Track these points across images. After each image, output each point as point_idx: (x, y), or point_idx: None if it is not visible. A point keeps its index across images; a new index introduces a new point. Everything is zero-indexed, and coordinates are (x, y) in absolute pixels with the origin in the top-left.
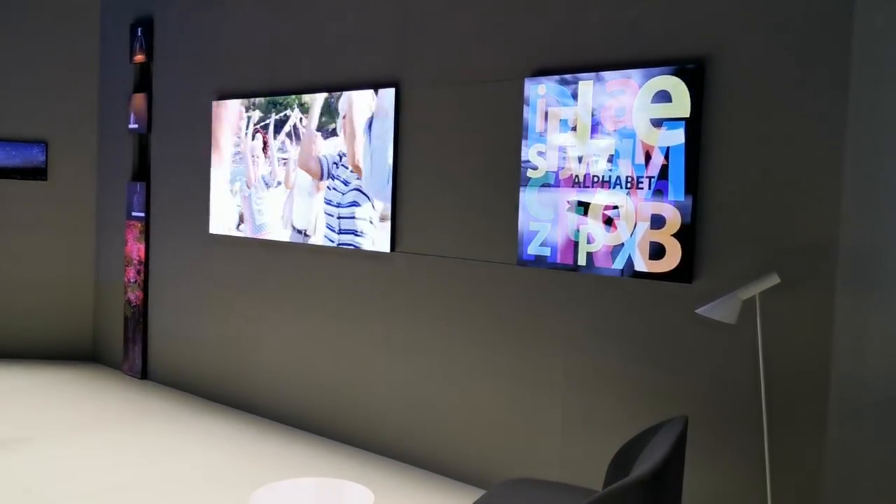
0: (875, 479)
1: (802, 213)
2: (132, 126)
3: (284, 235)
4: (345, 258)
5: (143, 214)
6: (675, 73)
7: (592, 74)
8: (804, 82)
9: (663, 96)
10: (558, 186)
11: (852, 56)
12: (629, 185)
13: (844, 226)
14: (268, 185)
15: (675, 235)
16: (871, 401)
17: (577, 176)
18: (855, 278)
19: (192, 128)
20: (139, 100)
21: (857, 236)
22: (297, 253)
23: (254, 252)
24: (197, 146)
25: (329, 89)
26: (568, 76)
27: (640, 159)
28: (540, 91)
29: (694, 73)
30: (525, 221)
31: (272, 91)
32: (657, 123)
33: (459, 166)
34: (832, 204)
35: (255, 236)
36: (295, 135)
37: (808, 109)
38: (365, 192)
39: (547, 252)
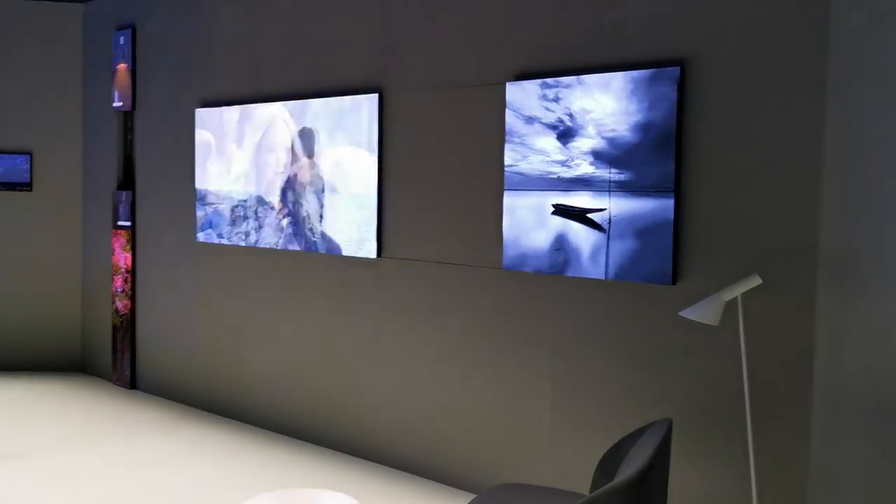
0: (858, 476)
1: (783, 214)
2: (116, 104)
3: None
4: (332, 265)
5: (129, 223)
6: (657, 76)
7: (574, 78)
8: (783, 83)
9: (645, 98)
10: (542, 190)
11: (830, 56)
12: (612, 187)
13: (824, 226)
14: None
15: (658, 237)
16: (852, 399)
17: (560, 179)
18: (835, 278)
19: (177, 135)
20: (122, 73)
21: (836, 236)
22: (284, 260)
23: (240, 259)
24: (181, 153)
25: (312, 95)
26: (550, 80)
27: (623, 162)
28: (521, 95)
29: (675, 76)
30: (510, 225)
31: (255, 98)
32: (639, 126)
33: (444, 171)
34: (812, 204)
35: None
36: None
37: (787, 110)
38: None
39: (532, 256)
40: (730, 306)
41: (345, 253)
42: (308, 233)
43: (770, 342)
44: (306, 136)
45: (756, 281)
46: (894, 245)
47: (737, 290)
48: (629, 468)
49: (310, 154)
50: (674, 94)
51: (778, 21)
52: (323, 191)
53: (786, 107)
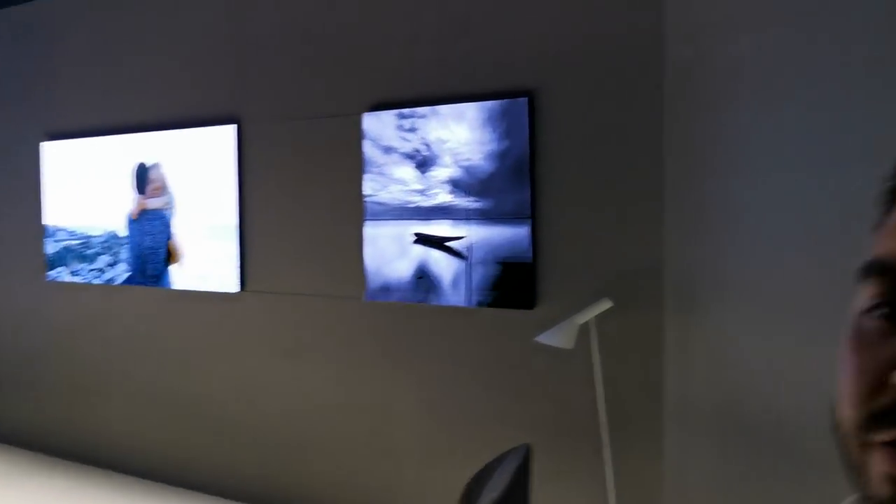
0: (708, 485)
1: (630, 239)
2: None
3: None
4: (192, 301)
5: None
6: (508, 106)
7: (429, 108)
8: (624, 113)
9: (498, 128)
10: (403, 219)
11: (665, 88)
12: (471, 215)
13: (668, 249)
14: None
15: (517, 264)
16: (699, 413)
17: (420, 208)
18: (680, 298)
19: (22, 169)
20: None
21: (678, 259)
22: (141, 297)
23: (95, 297)
24: (28, 189)
25: (168, 127)
26: (405, 110)
27: (481, 190)
28: (378, 125)
29: (525, 106)
30: (372, 255)
31: (106, 130)
32: (495, 155)
33: (305, 202)
34: (656, 228)
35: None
36: None
37: (628, 139)
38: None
39: (395, 285)
40: (584, 329)
41: (206, 288)
42: (165, 268)
43: (623, 362)
44: (161, 169)
45: (607, 304)
46: (730, 265)
47: (589, 314)
48: (487, 497)
49: (165, 186)
50: (525, 124)
51: (616, 53)
52: (177, 224)
53: (627, 136)
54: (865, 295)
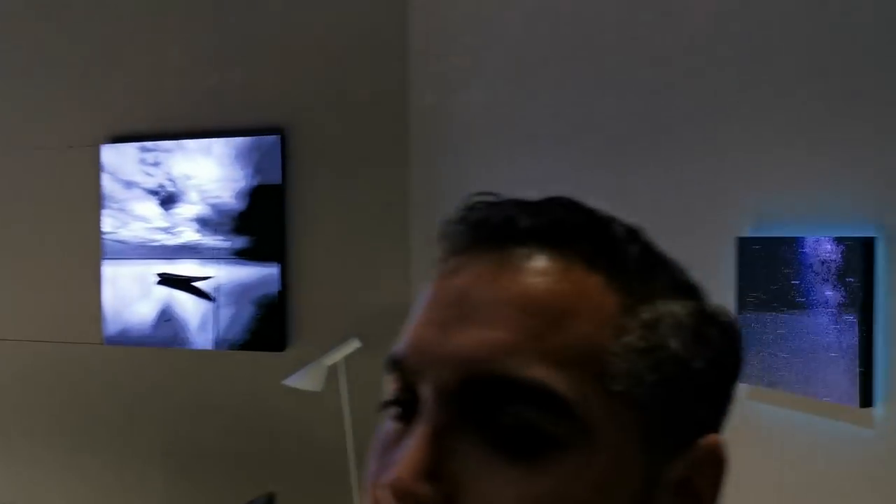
0: None
1: (378, 279)
2: None
3: None
4: None
5: None
6: (258, 143)
7: (174, 143)
8: (372, 156)
9: (248, 165)
10: (146, 258)
11: (411, 131)
12: (220, 254)
13: (415, 289)
14: None
15: (267, 304)
16: None
17: (165, 247)
18: None
19: None
20: None
21: None
22: None
23: None
24: None
25: None
26: (148, 143)
27: (230, 228)
28: (119, 159)
29: (276, 144)
30: (111, 297)
31: None
32: (245, 193)
33: (35, 240)
34: (403, 268)
35: None
36: None
37: (377, 181)
38: None
39: (137, 328)
40: (335, 370)
41: None
42: None
43: (373, 402)
44: None
45: (356, 344)
46: None
47: (337, 355)
48: None
49: None
50: (277, 162)
51: (364, 96)
52: None
53: (376, 178)
54: (387, 388)
